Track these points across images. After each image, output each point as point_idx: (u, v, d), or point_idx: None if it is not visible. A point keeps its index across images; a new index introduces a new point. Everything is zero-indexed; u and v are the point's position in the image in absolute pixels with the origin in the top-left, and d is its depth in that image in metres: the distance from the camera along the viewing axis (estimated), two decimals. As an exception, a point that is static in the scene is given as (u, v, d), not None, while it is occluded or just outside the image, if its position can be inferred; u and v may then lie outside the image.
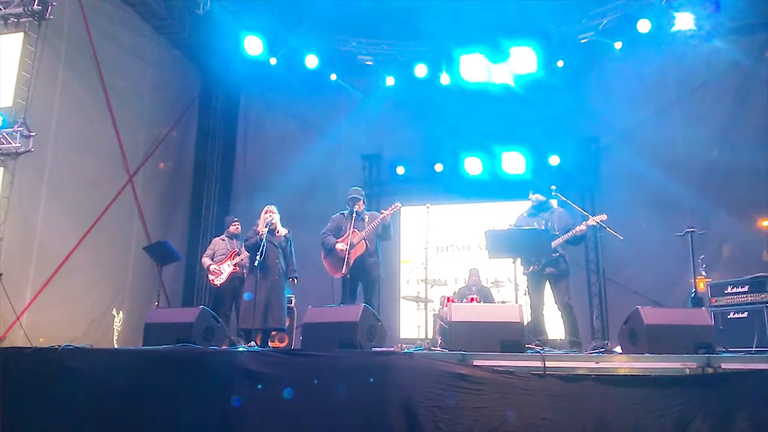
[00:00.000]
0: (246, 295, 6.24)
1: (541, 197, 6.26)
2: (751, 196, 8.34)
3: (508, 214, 8.26)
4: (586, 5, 9.30)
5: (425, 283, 6.70)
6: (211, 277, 7.20)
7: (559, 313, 6.04)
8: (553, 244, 5.91)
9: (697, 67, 9.14)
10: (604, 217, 5.92)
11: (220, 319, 5.41)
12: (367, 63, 10.32)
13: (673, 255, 7.73)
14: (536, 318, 6.07)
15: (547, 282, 6.05)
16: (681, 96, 9.29)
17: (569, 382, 3.63)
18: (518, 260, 5.56)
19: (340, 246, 6.13)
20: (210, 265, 7.24)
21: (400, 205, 6.28)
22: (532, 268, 6.03)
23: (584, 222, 5.90)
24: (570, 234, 5.89)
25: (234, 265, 7.18)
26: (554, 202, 6.46)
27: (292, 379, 3.84)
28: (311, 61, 9.99)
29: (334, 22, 9.71)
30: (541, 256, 6.00)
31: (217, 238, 7.59)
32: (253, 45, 9.71)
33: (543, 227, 6.05)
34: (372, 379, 3.69)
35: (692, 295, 6.35)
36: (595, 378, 3.66)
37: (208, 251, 7.46)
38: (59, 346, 4.49)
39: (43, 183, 7.60)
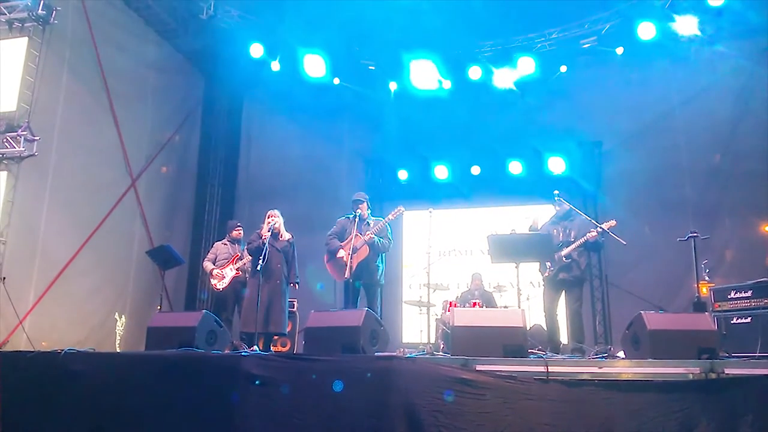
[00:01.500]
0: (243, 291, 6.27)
1: (566, 206, 6.29)
2: (755, 201, 8.32)
3: (511, 218, 8.29)
4: (588, 10, 9.32)
5: (427, 287, 6.71)
6: (213, 281, 7.19)
7: (567, 318, 6.09)
8: (566, 251, 5.97)
9: (699, 71, 9.14)
10: (613, 223, 5.96)
11: (222, 323, 5.42)
12: (369, 68, 10.34)
13: (676, 260, 7.71)
14: (551, 324, 6.13)
15: (563, 288, 6.11)
16: (683, 100, 9.28)
17: (572, 387, 3.63)
18: (521, 265, 5.59)
19: (341, 254, 6.14)
20: (213, 269, 7.23)
21: (402, 209, 6.28)
22: (546, 273, 6.09)
23: (594, 229, 5.94)
24: (582, 240, 5.93)
25: (236, 270, 7.17)
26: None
27: (294, 383, 3.84)
28: (314, 66, 10.00)
29: (337, 26, 9.73)
30: (544, 261, 6.04)
31: (219, 243, 7.57)
32: (255, 50, 9.74)
33: (561, 235, 6.12)
34: (374, 384, 3.69)
35: (695, 300, 6.34)
36: (598, 383, 3.65)
37: (210, 255, 7.44)
38: (62, 350, 4.50)
39: (47, 187, 7.62)
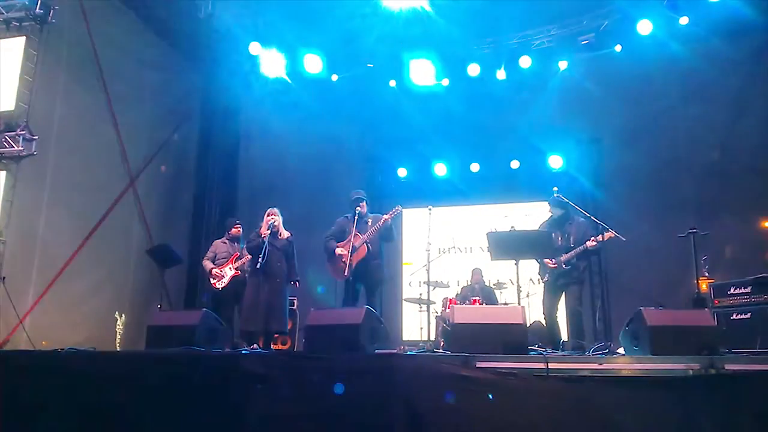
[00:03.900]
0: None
1: (560, 210, 6.29)
2: (754, 197, 8.33)
3: (511, 215, 8.29)
4: (586, 6, 9.30)
5: (427, 285, 6.70)
6: (212, 280, 7.18)
7: (566, 317, 6.13)
8: (566, 257, 6.00)
9: (698, 68, 9.12)
10: (611, 234, 5.94)
11: (222, 322, 5.42)
12: (368, 65, 10.32)
13: (675, 256, 7.71)
14: (551, 323, 6.16)
15: (563, 291, 6.15)
16: (682, 96, 9.27)
17: (572, 383, 3.62)
18: (521, 262, 5.59)
19: (339, 251, 6.13)
20: (212, 268, 7.22)
21: (400, 208, 6.27)
22: (546, 278, 6.12)
23: (594, 238, 5.95)
24: (580, 249, 5.95)
25: (235, 269, 7.17)
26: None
27: (294, 381, 3.84)
28: (313, 64, 9.98)
29: (335, 24, 9.70)
30: (543, 258, 6.06)
31: (218, 241, 7.57)
32: (254, 48, 9.72)
33: (561, 239, 6.12)
34: (374, 381, 3.68)
35: (695, 296, 6.34)
36: (598, 379, 3.65)
37: (209, 254, 7.43)
38: (62, 349, 4.50)
39: (46, 186, 7.61)
